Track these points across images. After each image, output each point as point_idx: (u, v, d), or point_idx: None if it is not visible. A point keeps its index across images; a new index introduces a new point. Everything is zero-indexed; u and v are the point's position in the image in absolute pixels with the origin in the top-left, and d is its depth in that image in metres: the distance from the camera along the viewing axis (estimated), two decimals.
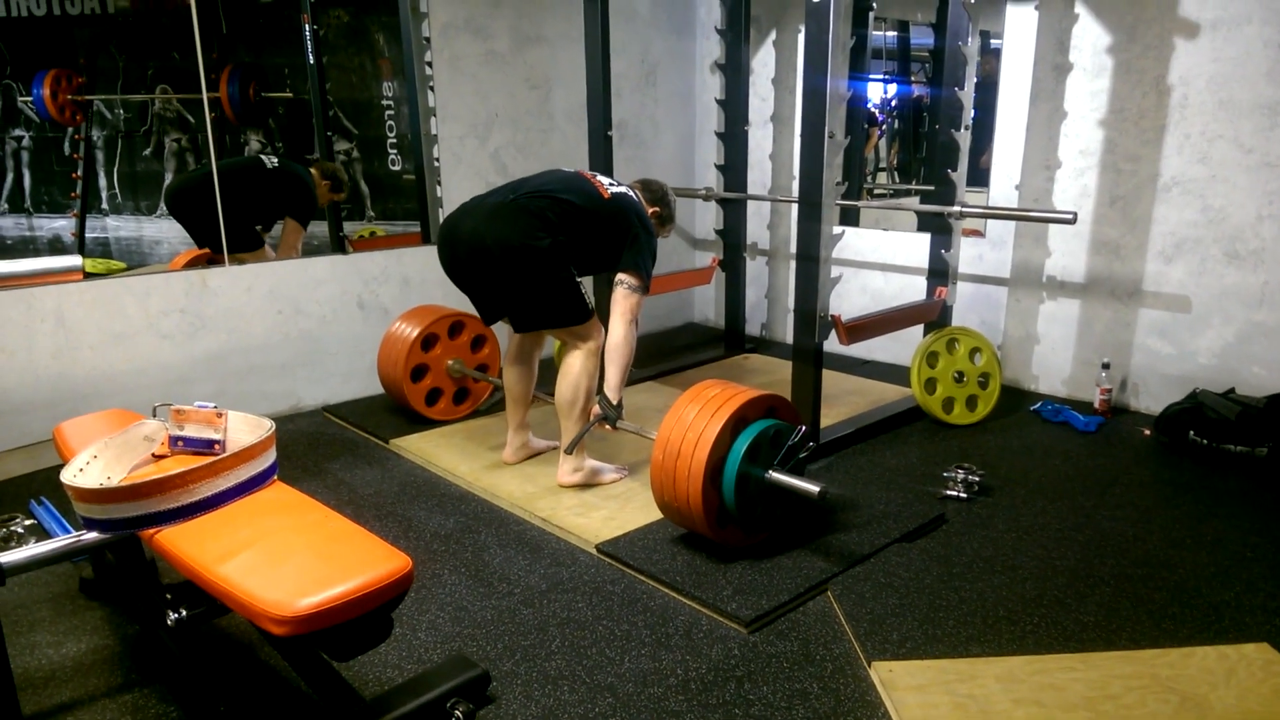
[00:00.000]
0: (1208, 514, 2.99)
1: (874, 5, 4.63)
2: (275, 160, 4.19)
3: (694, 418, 2.59)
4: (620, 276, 3.03)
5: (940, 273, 3.94)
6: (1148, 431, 3.68)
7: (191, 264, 3.90)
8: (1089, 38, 3.82)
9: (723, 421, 2.54)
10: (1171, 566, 2.64)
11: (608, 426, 3.06)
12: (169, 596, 1.92)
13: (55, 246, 4.48)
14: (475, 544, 2.85)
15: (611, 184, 3.12)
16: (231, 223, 3.89)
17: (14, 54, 4.11)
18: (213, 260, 3.91)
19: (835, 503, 3.03)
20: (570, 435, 3.13)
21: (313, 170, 4.36)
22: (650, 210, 3.25)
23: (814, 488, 2.54)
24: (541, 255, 2.87)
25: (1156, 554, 2.72)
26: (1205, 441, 3.43)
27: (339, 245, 4.62)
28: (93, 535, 1.88)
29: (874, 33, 4.91)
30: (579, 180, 3.07)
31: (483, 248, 2.90)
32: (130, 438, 2.12)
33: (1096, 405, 3.88)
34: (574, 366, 3.06)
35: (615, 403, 3.04)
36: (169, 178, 4.60)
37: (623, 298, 3.00)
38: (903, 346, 4.39)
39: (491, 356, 4.01)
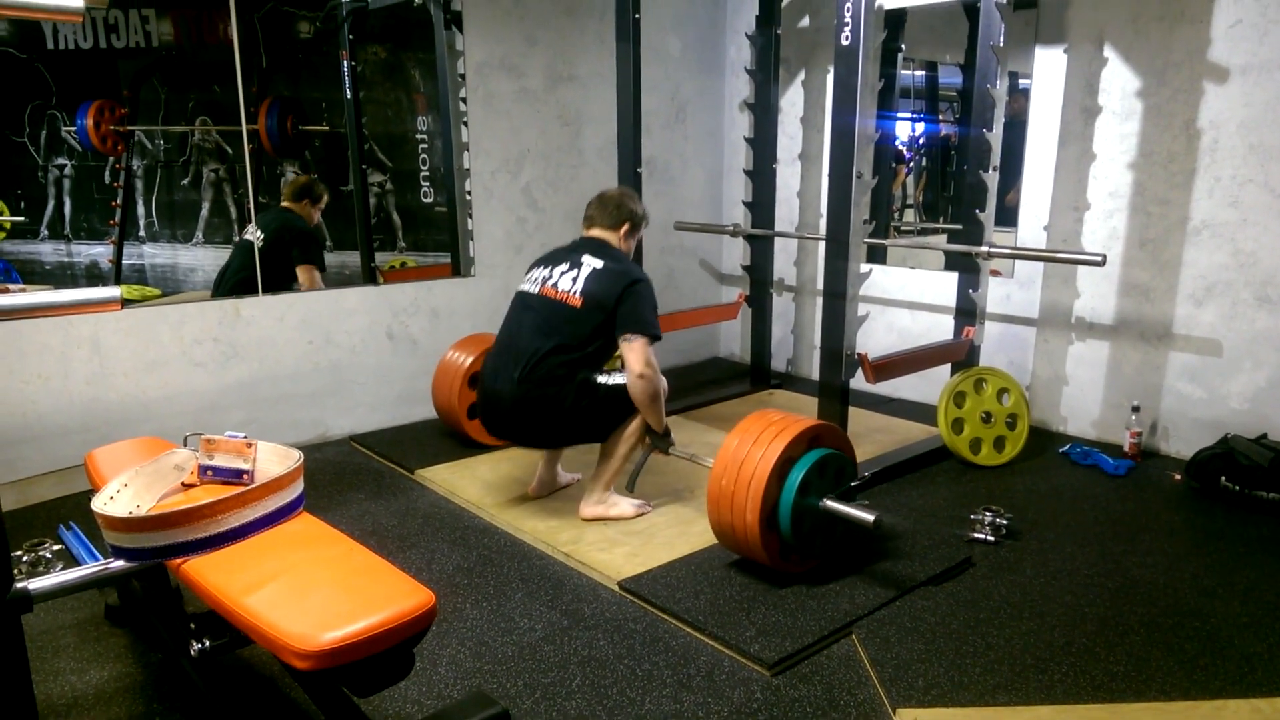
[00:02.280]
0: (1240, 562, 2.93)
1: (902, 47, 4.66)
2: (260, 234, 4.16)
3: (741, 467, 2.68)
4: (623, 337, 3.04)
5: (968, 312, 3.93)
6: (1178, 476, 3.63)
7: None
8: (1118, 81, 3.82)
9: (770, 466, 2.62)
10: (1203, 616, 2.59)
11: (663, 454, 3.20)
12: (193, 626, 1.94)
13: (92, 272, 4.57)
14: (498, 578, 2.85)
15: (574, 276, 3.10)
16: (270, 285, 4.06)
17: (60, 85, 4.23)
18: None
19: (888, 532, 3.06)
20: (609, 470, 3.17)
21: (290, 206, 4.37)
22: (621, 236, 3.27)
23: (869, 516, 2.61)
24: (573, 409, 3.04)
25: (1188, 602, 2.67)
26: (1237, 488, 3.37)
27: (370, 276, 4.68)
28: (120, 563, 1.90)
29: (902, 72, 4.94)
30: (552, 311, 3.08)
31: (525, 430, 3.16)
32: (161, 466, 2.15)
33: (1126, 448, 3.83)
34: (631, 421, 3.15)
35: (662, 433, 3.15)
36: (206, 207, 4.70)
37: (627, 351, 3.03)
38: (930, 384, 4.37)
39: None
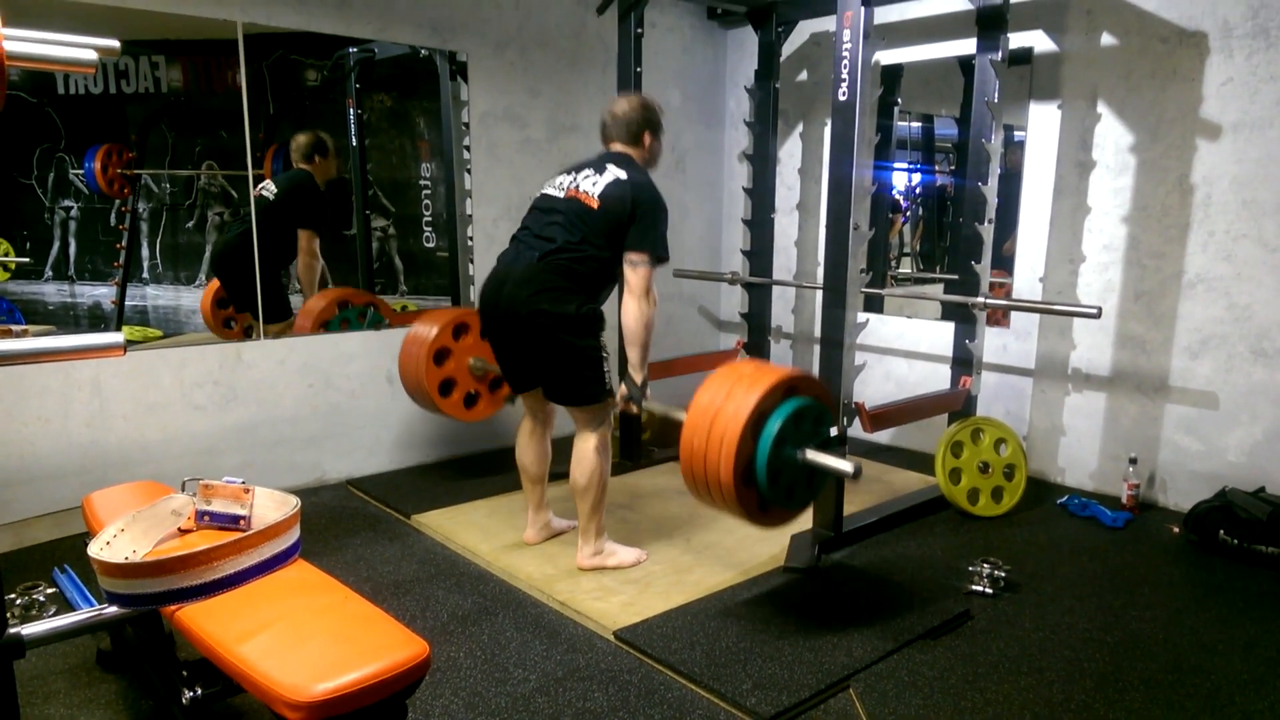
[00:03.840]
0: (1240, 617, 2.91)
1: (899, 101, 4.74)
2: (273, 187, 4.20)
3: (711, 429, 2.54)
4: (628, 256, 2.96)
5: (964, 362, 3.95)
6: (1177, 529, 3.62)
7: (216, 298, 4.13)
8: (1111, 136, 3.89)
9: (742, 422, 2.48)
10: (1203, 672, 2.57)
11: (634, 408, 3.08)
12: (185, 673, 1.93)
13: (95, 313, 4.59)
14: (492, 626, 2.84)
15: (595, 181, 3.01)
16: (266, 272, 4.06)
17: (69, 129, 4.28)
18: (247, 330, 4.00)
19: (860, 595, 2.99)
20: (588, 518, 3.13)
21: (304, 167, 4.34)
22: (645, 146, 3.16)
23: (848, 466, 2.53)
24: (569, 322, 2.93)
25: (1188, 658, 2.65)
26: (1236, 541, 3.37)
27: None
28: (114, 609, 1.90)
29: (899, 124, 5.01)
30: (574, 210, 3.00)
31: (516, 315, 2.99)
32: (158, 511, 2.15)
33: (1124, 500, 3.83)
34: (587, 452, 3.08)
35: (639, 382, 3.04)
36: (210, 249, 4.73)
37: (630, 272, 2.95)
38: (927, 433, 4.37)
39: None
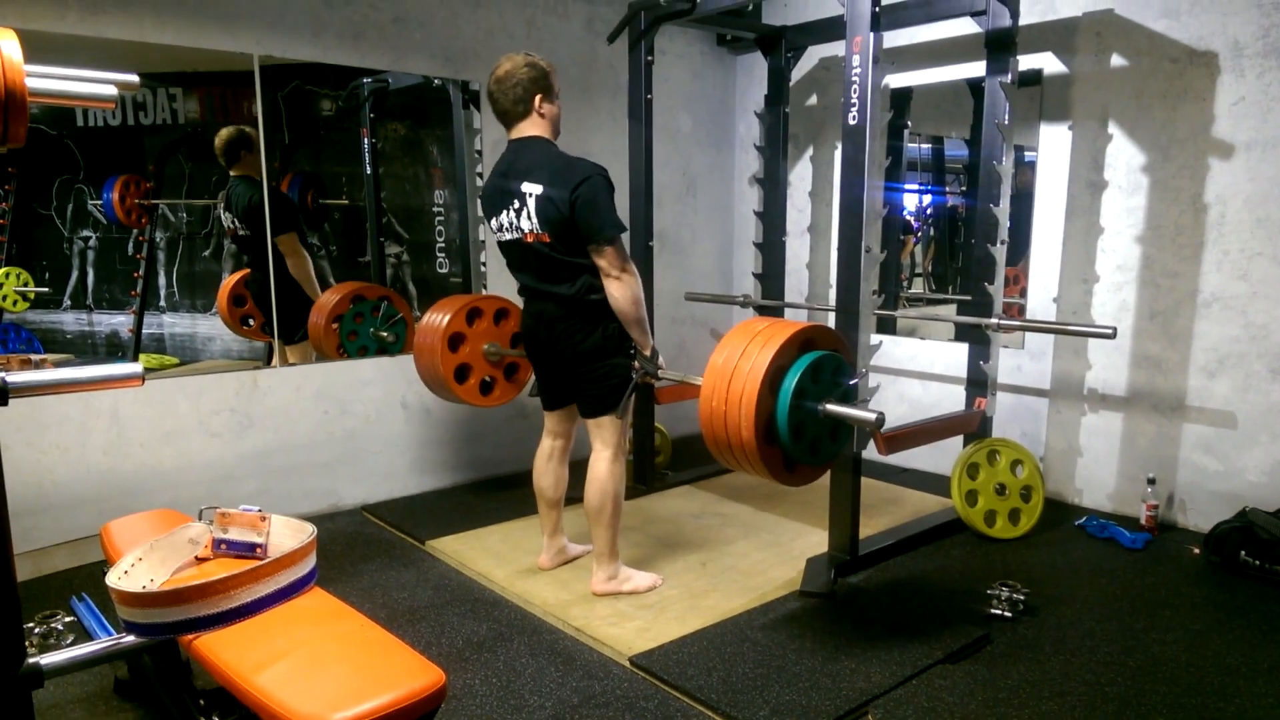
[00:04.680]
0: (1263, 639, 2.88)
1: (908, 124, 4.75)
2: (236, 220, 4.16)
3: (731, 380, 2.50)
4: (591, 250, 2.87)
5: (979, 383, 3.94)
6: (1197, 550, 3.58)
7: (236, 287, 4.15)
8: (1123, 156, 3.89)
9: (759, 379, 2.43)
10: (1227, 696, 2.54)
11: (652, 380, 3.07)
12: (202, 702, 1.94)
13: (112, 341, 4.64)
14: (508, 653, 2.83)
15: (527, 214, 2.89)
16: (283, 294, 4.09)
17: (88, 160, 4.34)
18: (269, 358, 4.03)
19: (877, 619, 2.97)
20: (605, 543, 3.13)
21: (241, 173, 4.16)
22: (538, 109, 2.94)
23: (870, 415, 2.49)
24: (601, 348, 2.99)
25: (1211, 682, 2.62)
26: (1258, 562, 3.33)
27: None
28: (132, 638, 1.91)
29: (909, 145, 5.03)
30: (540, 255, 2.94)
31: (558, 352, 3.06)
32: (175, 540, 2.16)
33: (1143, 521, 3.79)
34: (600, 471, 3.09)
35: (648, 355, 3.03)
36: (225, 277, 4.77)
37: (599, 260, 2.86)
38: (942, 455, 4.35)
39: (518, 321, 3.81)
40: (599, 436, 3.11)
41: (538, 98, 2.93)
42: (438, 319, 3.75)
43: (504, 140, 3.21)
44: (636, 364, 3.05)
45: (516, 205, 2.93)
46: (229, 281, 4.26)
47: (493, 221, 3.06)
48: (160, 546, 2.11)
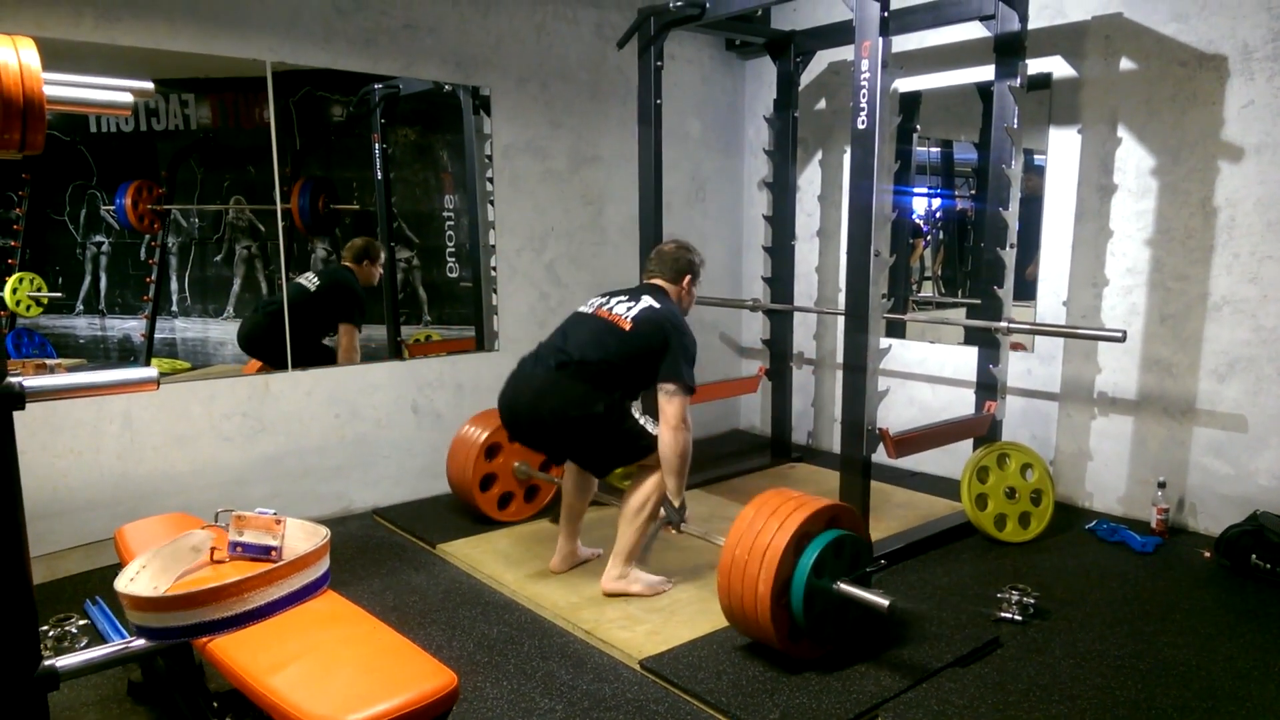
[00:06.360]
0: (1275, 643, 2.87)
1: (917, 128, 4.76)
2: (315, 279, 4.32)
3: (756, 538, 2.64)
4: (662, 386, 3.05)
5: (989, 387, 3.93)
6: (1208, 554, 3.57)
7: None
8: (1132, 160, 3.88)
9: (786, 539, 2.58)
10: (1238, 699, 2.53)
11: (673, 530, 3.13)
12: (216, 705, 1.95)
13: (125, 346, 4.67)
14: (518, 655, 2.84)
15: (630, 306, 3.15)
16: (299, 348, 4.11)
17: (100, 167, 4.38)
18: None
19: (903, 617, 2.99)
20: (628, 542, 3.15)
21: (351, 266, 4.49)
22: (684, 286, 3.32)
23: (883, 601, 2.54)
24: (599, 420, 3.02)
25: (1222, 685, 2.61)
26: (1269, 565, 3.32)
27: (396, 350, 4.75)
28: (143, 641, 1.92)
29: (918, 149, 5.03)
30: (603, 328, 3.12)
31: (540, 420, 3.10)
32: (178, 548, 2.15)
33: (1154, 525, 3.79)
34: (647, 483, 3.14)
35: (677, 505, 3.10)
36: (238, 283, 4.80)
37: (666, 403, 3.02)
38: (952, 458, 4.34)
39: None
40: (639, 469, 3.18)
41: (687, 278, 3.34)
42: (476, 432, 3.95)
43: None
44: (662, 512, 3.14)
45: (625, 299, 3.20)
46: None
47: (592, 300, 3.30)
48: (162, 555, 2.10)
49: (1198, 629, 2.97)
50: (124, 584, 1.96)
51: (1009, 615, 3.02)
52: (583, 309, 3.28)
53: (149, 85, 1.69)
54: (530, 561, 3.53)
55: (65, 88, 1.54)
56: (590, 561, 3.50)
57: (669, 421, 3.01)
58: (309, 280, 4.28)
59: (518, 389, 3.17)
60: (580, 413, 3.01)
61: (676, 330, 3.09)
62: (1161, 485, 3.78)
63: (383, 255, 4.55)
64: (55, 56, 3.42)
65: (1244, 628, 2.99)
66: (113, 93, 1.61)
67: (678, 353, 3.05)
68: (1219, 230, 3.67)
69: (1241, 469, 3.71)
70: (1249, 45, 3.53)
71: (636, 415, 3.11)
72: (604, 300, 3.25)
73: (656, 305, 3.15)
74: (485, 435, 3.90)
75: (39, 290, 4.23)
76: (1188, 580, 3.38)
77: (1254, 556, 3.35)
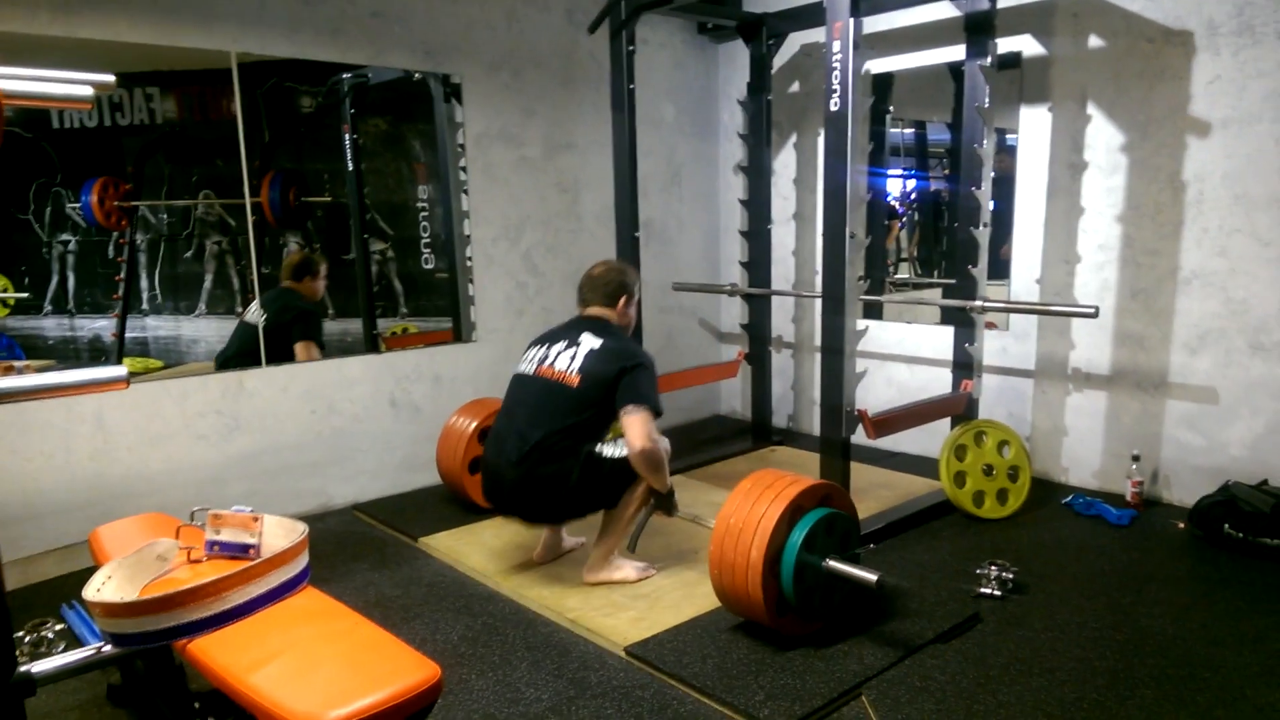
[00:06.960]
0: (1248, 610, 2.92)
1: (890, 109, 4.76)
2: (262, 314, 4.19)
3: (751, 508, 2.67)
4: (623, 411, 2.98)
5: (965, 365, 3.96)
6: (1182, 525, 3.62)
7: None
8: (1102, 137, 3.91)
9: (780, 510, 2.62)
10: (1214, 666, 2.58)
11: (665, 515, 3.17)
12: (197, 705, 1.94)
13: (95, 346, 4.60)
14: (503, 646, 2.84)
15: (572, 355, 3.08)
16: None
17: (65, 163, 4.31)
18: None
19: (890, 593, 3.02)
20: (611, 532, 3.16)
21: (291, 286, 4.38)
22: (620, 309, 3.25)
23: (871, 576, 2.58)
24: (579, 486, 3.02)
25: (1198, 653, 2.65)
26: (1241, 534, 3.37)
27: (372, 343, 4.71)
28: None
29: (892, 130, 5.04)
30: (549, 391, 3.06)
31: (527, 510, 3.15)
32: (143, 557, 2.13)
33: (1129, 498, 3.83)
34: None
35: (666, 494, 3.11)
36: (209, 279, 4.74)
37: (629, 426, 2.95)
38: (930, 437, 4.38)
39: None
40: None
41: (622, 299, 3.26)
42: (465, 422, 3.96)
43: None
44: (651, 500, 3.13)
45: (564, 346, 3.13)
46: None
47: (528, 353, 3.25)
48: (126, 564, 2.07)
49: (1173, 599, 3.02)
50: (92, 592, 1.93)
51: (989, 591, 3.05)
52: (523, 369, 3.20)
53: (110, 78, 1.66)
54: (513, 553, 3.53)
55: (22, 82, 1.51)
56: (574, 551, 3.49)
57: (633, 446, 2.94)
58: (256, 315, 4.19)
59: (496, 479, 3.14)
60: (560, 491, 3.02)
61: (630, 366, 3.02)
62: (1136, 458, 3.83)
63: (324, 267, 4.46)
64: (12, 51, 3.36)
65: (1217, 596, 3.03)
66: (72, 86, 1.58)
67: (634, 379, 3.00)
68: (1188, 205, 3.71)
69: (1213, 440, 3.76)
70: (1214, 21, 3.55)
71: (609, 451, 3.04)
72: (542, 352, 3.17)
73: (598, 344, 3.08)
74: (473, 426, 3.90)
75: (4, 291, 4.16)
76: (1162, 551, 3.43)
77: (1226, 526, 3.40)
